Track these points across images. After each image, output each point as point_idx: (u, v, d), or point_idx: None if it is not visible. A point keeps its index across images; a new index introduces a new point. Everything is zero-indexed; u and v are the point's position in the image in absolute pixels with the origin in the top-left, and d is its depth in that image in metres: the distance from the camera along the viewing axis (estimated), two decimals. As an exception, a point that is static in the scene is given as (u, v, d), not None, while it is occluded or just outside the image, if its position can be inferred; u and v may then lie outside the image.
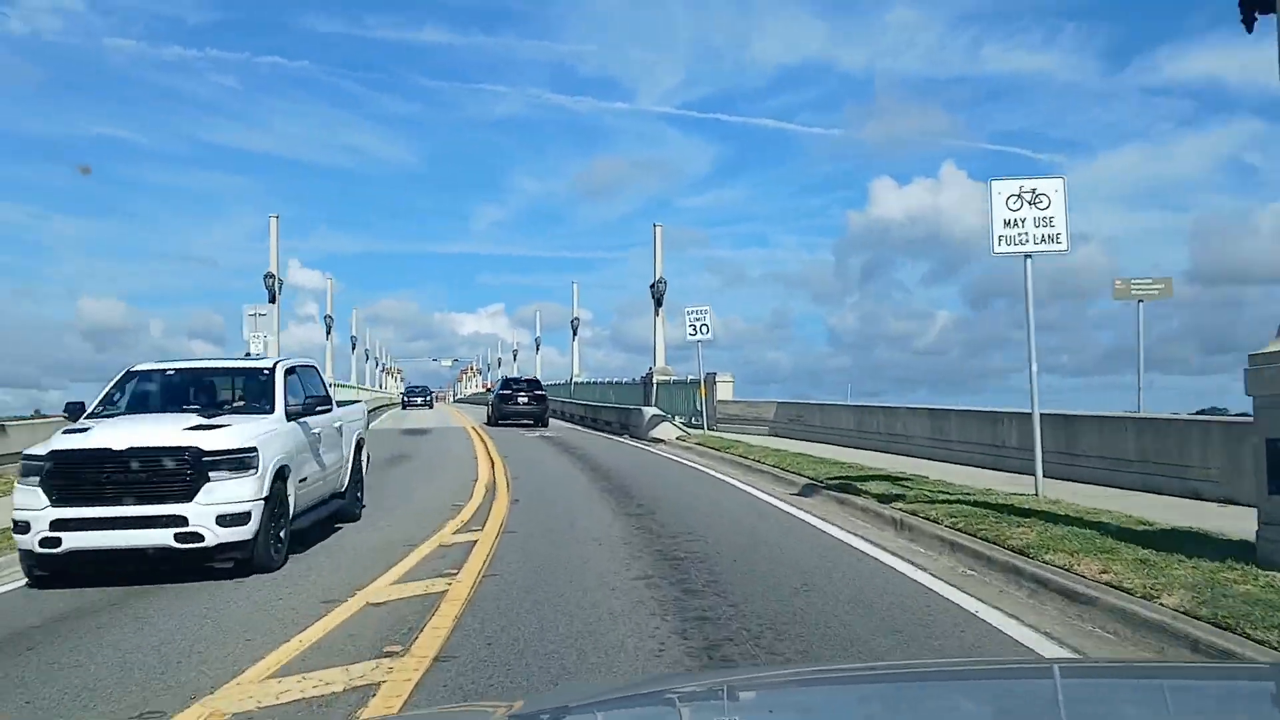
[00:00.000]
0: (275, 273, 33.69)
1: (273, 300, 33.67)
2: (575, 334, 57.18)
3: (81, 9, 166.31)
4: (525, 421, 36.19)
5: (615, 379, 43.15)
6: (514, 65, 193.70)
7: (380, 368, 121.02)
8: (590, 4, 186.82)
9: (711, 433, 25.10)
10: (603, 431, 32.22)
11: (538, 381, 43.22)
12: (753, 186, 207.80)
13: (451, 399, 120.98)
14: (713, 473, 17.84)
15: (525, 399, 37.78)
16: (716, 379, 28.49)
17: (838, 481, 13.85)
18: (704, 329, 24.63)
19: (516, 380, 44.23)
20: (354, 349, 72.16)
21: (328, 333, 52.83)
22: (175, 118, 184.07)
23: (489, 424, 37.42)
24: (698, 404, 30.18)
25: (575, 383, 52.66)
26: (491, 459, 20.77)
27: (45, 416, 20.21)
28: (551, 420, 41.63)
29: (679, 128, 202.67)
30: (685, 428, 26.84)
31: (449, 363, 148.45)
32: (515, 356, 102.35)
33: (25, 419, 21.51)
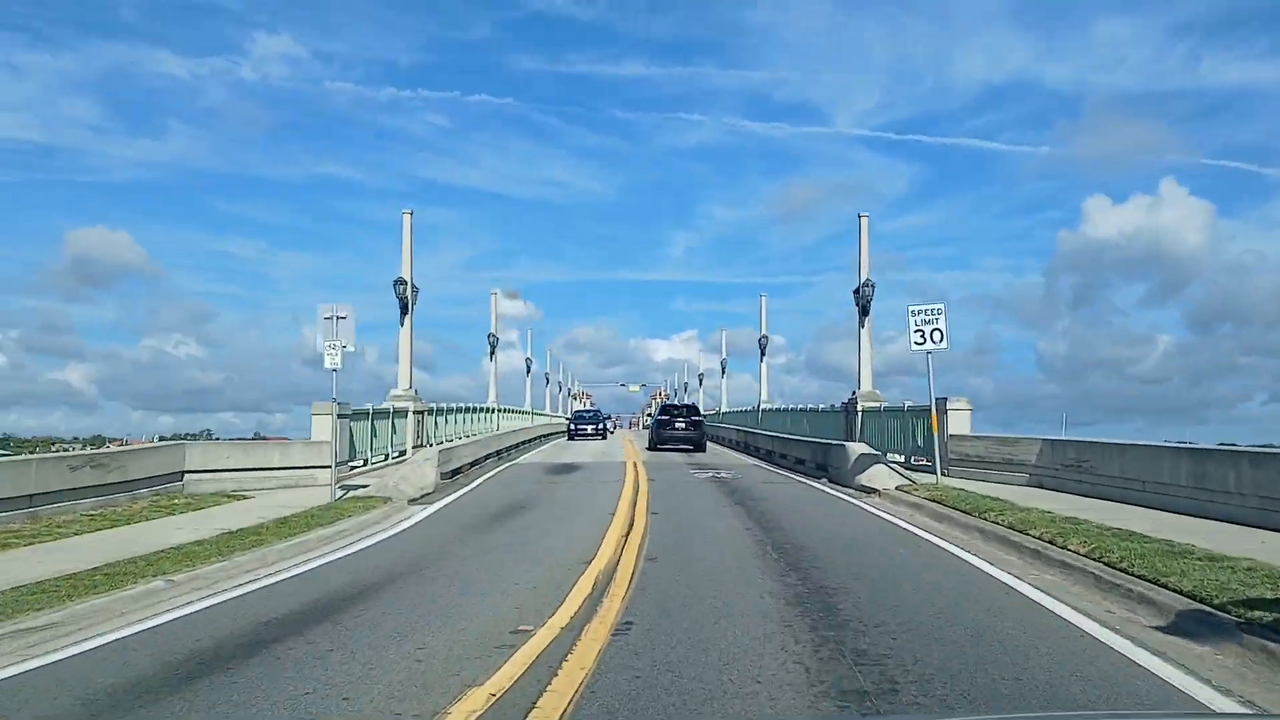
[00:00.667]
0: (409, 279, 28.81)
1: (405, 311, 28.85)
2: (763, 354, 50.52)
3: (305, 56, 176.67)
4: (683, 447, 37.21)
5: (810, 405, 36.27)
6: (709, 94, 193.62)
7: (568, 393, 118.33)
8: (786, 31, 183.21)
9: (946, 480, 18.05)
10: (793, 471, 25.51)
11: (695, 408, 43.68)
12: (953, 208, 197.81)
13: (642, 425, 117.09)
14: (973, 560, 10.96)
15: (682, 424, 38.41)
16: (948, 406, 21.32)
17: (1275, 618, 6.83)
18: (936, 336, 17.62)
19: (675, 407, 43.91)
20: (529, 371, 67.78)
21: (491, 353, 48.15)
22: (389, 155, 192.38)
23: (649, 448, 38.03)
24: (918, 438, 23.11)
25: (763, 410, 45.97)
26: (632, 518, 14.54)
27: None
28: (733, 453, 36.59)
29: (875, 150, 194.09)
30: (905, 471, 19.85)
31: (637, 388, 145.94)
32: (701, 382, 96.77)
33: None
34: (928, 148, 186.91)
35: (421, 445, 27.62)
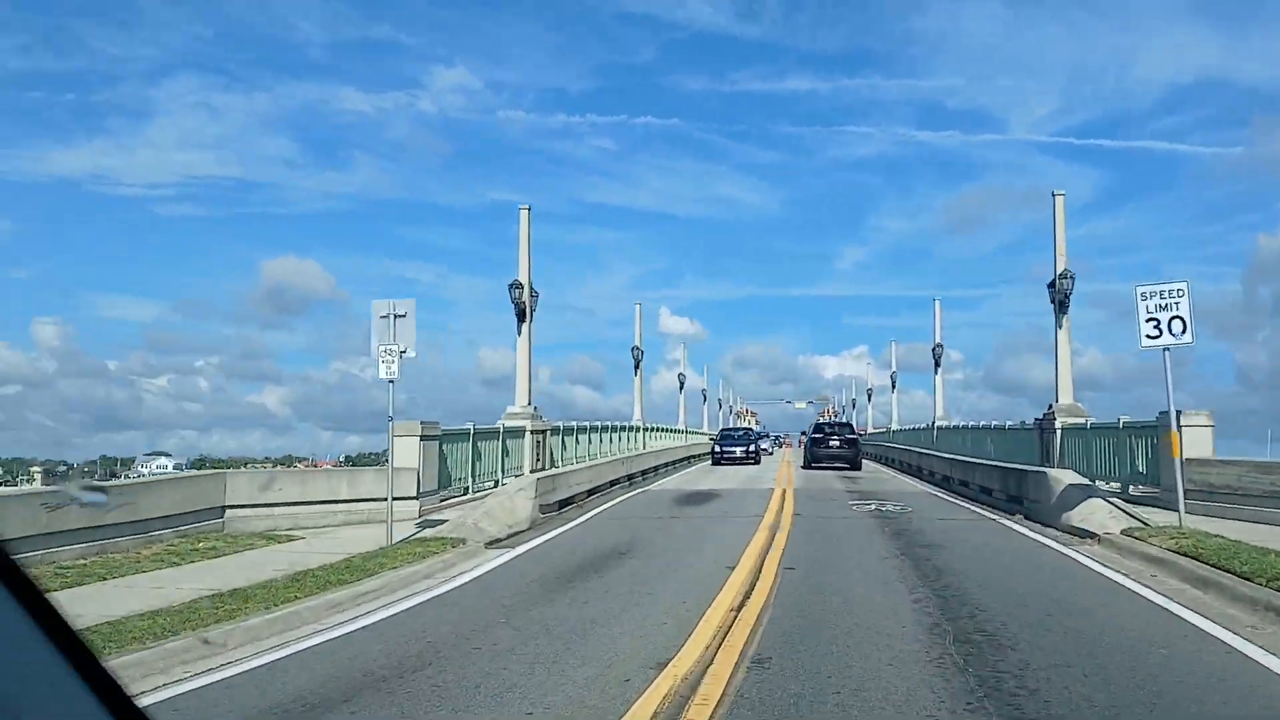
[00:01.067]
0: (527, 282, 25.73)
1: (523, 318, 25.80)
2: (938, 365, 45.42)
3: (479, 87, 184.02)
4: (838, 465, 36.58)
5: (993, 422, 31.38)
6: (877, 105, 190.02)
7: (730, 410, 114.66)
8: (957, 38, 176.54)
9: (1190, 520, 13.40)
10: (976, 503, 21.00)
11: (850, 425, 43.64)
12: (1140, 213, 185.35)
13: None
14: (1296, 675, 6.69)
15: (837, 442, 37.83)
16: (1183, 421, 16.48)
17: None
18: (1176, 327, 13.05)
19: (829, 424, 43.08)
20: (682, 387, 64.40)
21: (636, 367, 44.87)
22: (558, 179, 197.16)
23: (804, 467, 37.43)
24: (1140, 463, 18.36)
25: (939, 427, 40.96)
26: (756, 576, 10.72)
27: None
28: (902, 478, 32.39)
29: (1055, 156, 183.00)
30: (1126, 506, 15.20)
31: (803, 404, 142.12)
32: (870, 398, 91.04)
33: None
34: (1110, 152, 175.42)
35: (542, 468, 24.43)
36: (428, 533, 14.34)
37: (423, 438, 17.18)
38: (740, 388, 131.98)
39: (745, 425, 73.22)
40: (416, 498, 16.69)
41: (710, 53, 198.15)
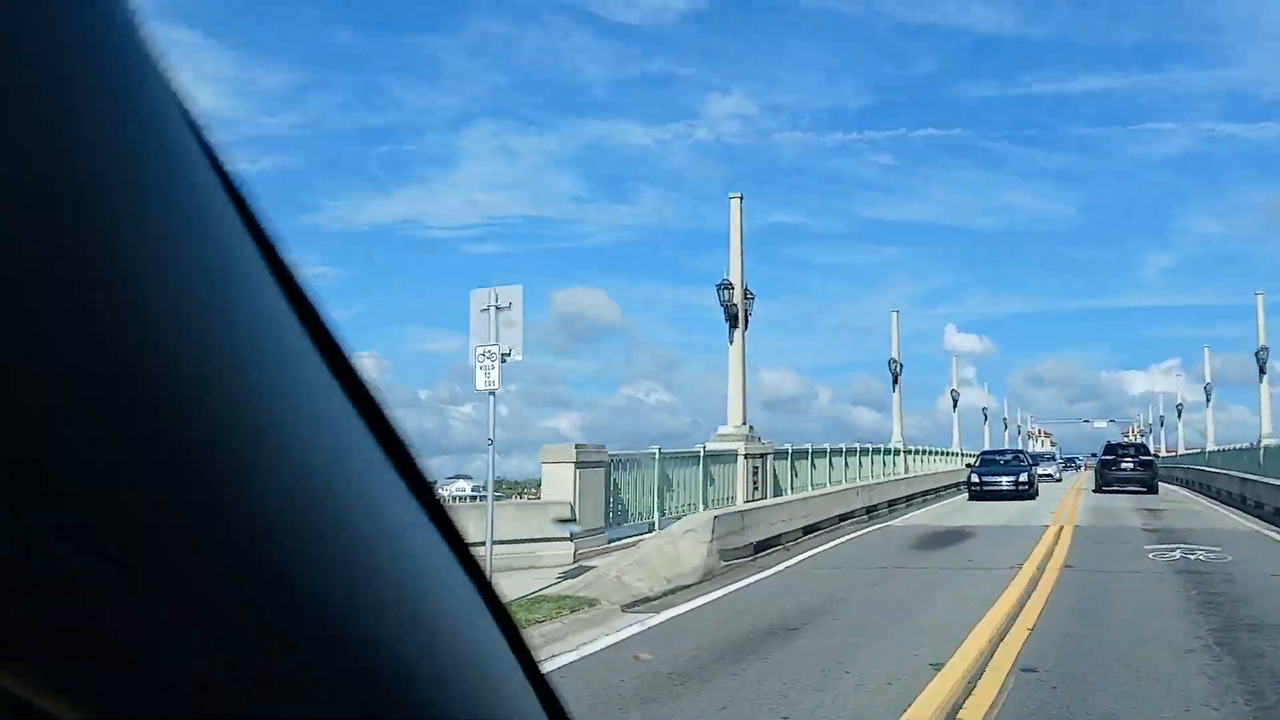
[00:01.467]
0: (739, 282, 22.45)
1: (735, 323, 22.54)
2: (1263, 373, 38.03)
3: (755, 112, 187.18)
4: (1131, 488, 34.71)
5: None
6: (1180, 100, 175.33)
7: (1017, 430, 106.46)
8: (1270, 22, 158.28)
9: None
10: (1330, 549, 15.56)
11: (1144, 446, 43.40)
12: None
13: None
14: None
15: (1130, 464, 36.29)
16: None
17: None
18: None
19: (1123, 445, 41.31)
20: (955, 405, 58.83)
21: (894, 382, 40.42)
22: (837, 199, 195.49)
23: (1095, 490, 36.20)
24: None
25: (1265, 447, 33.82)
26: (968, 689, 6.86)
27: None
28: (1218, 509, 27.03)
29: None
30: None
31: (1104, 424, 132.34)
32: (1180, 415, 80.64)
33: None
34: None
35: (760, 498, 20.95)
36: (558, 587, 11.30)
37: (579, 465, 14.22)
38: (1034, 407, 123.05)
39: (1014, 449, 64.06)
40: (570, 539, 13.74)
41: (994, 58, 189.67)
